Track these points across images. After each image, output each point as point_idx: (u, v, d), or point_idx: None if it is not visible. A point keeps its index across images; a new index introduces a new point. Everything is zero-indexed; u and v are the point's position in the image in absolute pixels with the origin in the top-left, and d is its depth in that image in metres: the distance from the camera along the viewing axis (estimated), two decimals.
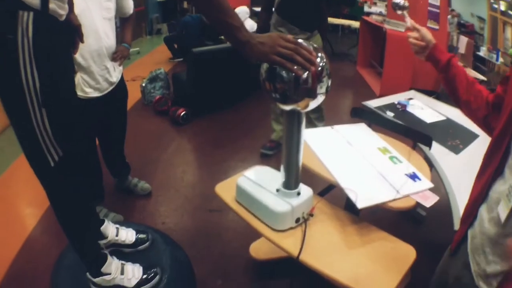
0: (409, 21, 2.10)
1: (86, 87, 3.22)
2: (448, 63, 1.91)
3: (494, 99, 1.70)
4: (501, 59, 11.82)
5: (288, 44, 1.68)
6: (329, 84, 1.79)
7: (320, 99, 1.79)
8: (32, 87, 1.67)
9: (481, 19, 12.46)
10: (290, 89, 1.71)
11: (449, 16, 12.85)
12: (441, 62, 1.93)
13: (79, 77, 3.16)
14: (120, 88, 3.60)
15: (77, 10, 2.80)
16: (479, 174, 1.57)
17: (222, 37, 1.89)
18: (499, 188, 1.36)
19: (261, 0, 4.86)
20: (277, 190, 2.14)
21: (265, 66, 1.77)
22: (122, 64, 3.56)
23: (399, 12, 2.25)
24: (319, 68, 1.72)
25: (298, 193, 2.13)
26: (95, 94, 3.29)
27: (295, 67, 1.66)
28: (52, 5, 1.66)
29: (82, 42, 2.35)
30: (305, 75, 1.69)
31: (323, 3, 4.44)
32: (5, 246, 3.42)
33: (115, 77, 3.46)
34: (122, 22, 3.74)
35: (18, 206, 4.10)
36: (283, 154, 2.06)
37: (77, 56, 3.05)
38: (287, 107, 1.83)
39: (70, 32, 2.10)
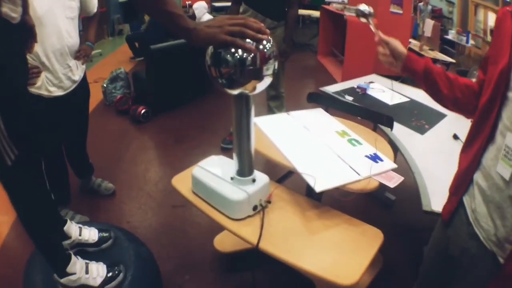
0: (376, 33, 1.94)
1: (50, 86, 3.18)
2: (425, 71, 1.82)
3: (479, 86, 1.65)
4: (471, 41, 11.98)
5: (236, 21, 1.66)
6: (276, 65, 1.75)
7: (267, 80, 1.76)
8: None
9: (449, 2, 12.60)
10: (236, 72, 1.67)
11: (420, 4, 12.99)
12: (418, 73, 1.85)
13: (43, 77, 3.11)
14: (83, 87, 3.56)
15: (40, 10, 2.84)
16: (466, 146, 1.59)
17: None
18: (492, 154, 1.39)
19: None
20: (232, 178, 2.11)
21: (209, 51, 1.73)
22: (85, 63, 3.52)
23: (363, 20, 2.06)
24: (265, 49, 1.69)
25: (253, 180, 2.10)
26: (59, 92, 3.25)
27: (247, 42, 1.64)
28: (4, 9, 1.65)
29: (36, 42, 2.35)
30: (255, 49, 1.66)
31: None
32: None
33: (77, 76, 3.41)
34: (86, 21, 3.70)
35: None
36: (234, 141, 2.03)
37: (41, 55, 3.02)
38: (235, 91, 1.80)
39: (23, 33, 2.07)
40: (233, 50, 1.64)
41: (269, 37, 1.72)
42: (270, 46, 1.71)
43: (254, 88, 1.77)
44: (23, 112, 1.94)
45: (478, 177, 1.45)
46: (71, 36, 3.24)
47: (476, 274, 1.50)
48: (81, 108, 3.72)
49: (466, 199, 1.56)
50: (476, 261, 1.50)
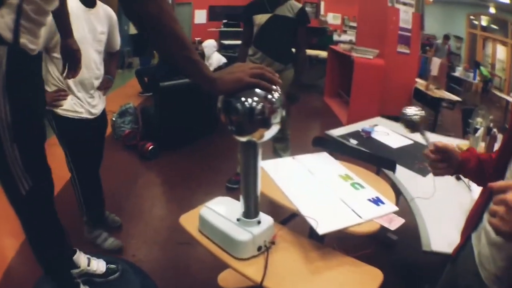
0: (429, 142, 1.82)
1: (78, 107, 3.31)
2: (477, 167, 1.76)
3: None
4: (478, 78, 12.00)
5: (255, 68, 1.73)
6: (283, 114, 1.82)
7: (274, 129, 1.82)
8: (5, 121, 1.71)
9: (458, 38, 12.68)
10: (244, 120, 1.74)
11: (438, 42, 13.05)
12: (472, 171, 1.78)
13: (70, 99, 3.24)
14: (103, 117, 3.67)
15: (75, 37, 2.89)
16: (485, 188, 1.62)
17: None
18: None
19: (240, 35, 4.99)
20: (238, 220, 2.16)
21: (220, 99, 1.80)
22: (105, 94, 3.65)
23: (411, 131, 1.98)
24: (273, 99, 1.76)
25: (259, 222, 2.14)
26: (86, 115, 3.38)
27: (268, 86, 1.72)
28: (23, 40, 1.70)
29: (80, 68, 2.45)
30: (277, 88, 1.76)
31: (298, 37, 4.56)
32: None
33: (100, 105, 3.55)
34: (108, 55, 3.80)
35: None
36: (241, 184, 2.09)
37: (69, 81, 3.15)
38: (243, 139, 1.86)
39: (66, 57, 2.14)
40: (243, 99, 1.71)
41: (278, 87, 1.81)
42: (278, 95, 1.78)
43: (262, 136, 1.83)
44: (39, 144, 2.00)
45: (486, 217, 1.47)
46: (98, 68, 3.40)
47: None
48: (101, 136, 3.82)
49: (474, 237, 1.62)
50: None
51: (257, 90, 1.73)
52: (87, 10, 3.19)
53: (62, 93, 3.11)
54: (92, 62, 3.31)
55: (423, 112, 1.93)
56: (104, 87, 3.56)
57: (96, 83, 3.42)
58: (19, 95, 1.75)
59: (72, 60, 2.61)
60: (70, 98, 3.22)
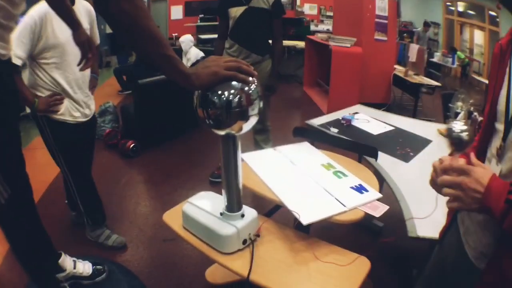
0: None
1: (74, 111, 3.29)
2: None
3: None
4: (457, 62, 12.11)
5: (230, 61, 1.73)
6: (261, 105, 1.82)
7: (252, 121, 1.82)
8: None
9: (435, 24, 12.76)
10: (222, 113, 1.73)
11: (419, 29, 13.14)
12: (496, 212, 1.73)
13: (66, 103, 3.21)
14: (93, 117, 3.68)
15: (62, 37, 2.96)
16: None
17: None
18: None
19: (217, 29, 5.00)
20: (221, 214, 2.15)
21: (196, 93, 1.79)
22: (93, 93, 3.63)
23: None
24: (250, 90, 1.76)
25: (242, 215, 2.14)
26: (82, 118, 3.38)
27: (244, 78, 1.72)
28: None
29: (93, 57, 2.47)
30: (253, 80, 1.77)
31: (274, 28, 4.56)
32: None
33: (92, 105, 3.57)
34: None
35: None
36: (222, 178, 2.08)
37: (63, 83, 3.13)
38: (222, 132, 1.86)
39: (82, 50, 2.13)
40: (219, 92, 1.71)
41: (254, 79, 1.80)
42: (255, 86, 1.78)
43: (241, 129, 1.83)
44: (15, 150, 1.98)
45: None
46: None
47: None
48: (93, 135, 3.85)
49: (459, 217, 1.65)
50: (465, 278, 1.58)
51: (233, 83, 1.73)
52: None
53: (57, 97, 3.07)
54: None
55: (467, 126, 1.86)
56: (92, 86, 3.54)
57: (87, 80, 3.41)
58: None
59: (83, 50, 2.60)
60: (66, 101, 3.19)
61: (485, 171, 1.26)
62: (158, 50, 1.55)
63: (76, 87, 3.26)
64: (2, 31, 1.73)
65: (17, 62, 2.85)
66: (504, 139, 1.38)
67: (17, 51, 2.84)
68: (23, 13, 2.41)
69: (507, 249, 1.32)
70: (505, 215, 1.18)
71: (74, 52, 3.00)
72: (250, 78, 1.75)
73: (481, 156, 1.55)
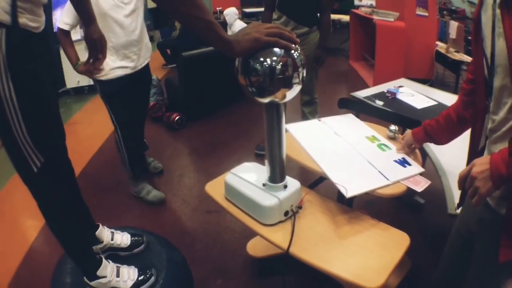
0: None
1: (117, 67, 3.53)
2: (427, 135, 2.36)
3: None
4: None
5: (271, 27, 1.70)
6: (304, 73, 1.78)
7: (296, 89, 1.79)
8: (9, 100, 1.68)
9: (471, 3, 12.46)
10: (265, 81, 1.71)
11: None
12: (423, 139, 2.46)
13: (108, 62, 3.33)
14: (147, 72, 3.92)
15: (106, 6, 3.25)
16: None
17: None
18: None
19: (262, 1, 4.98)
20: (264, 185, 2.14)
21: (238, 60, 1.77)
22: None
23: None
24: (293, 57, 1.73)
25: (285, 186, 2.12)
26: (126, 72, 3.59)
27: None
28: (22, 20, 1.66)
29: (103, 57, 2.52)
30: (295, 47, 1.74)
31: (322, 0, 4.47)
32: (8, 258, 3.47)
33: (143, 59, 3.73)
34: None
35: (19, 220, 4.13)
36: (265, 148, 2.06)
37: (109, 47, 3.22)
38: (265, 100, 1.83)
39: (47, 41, 2.11)
40: (261, 59, 1.68)
41: (297, 46, 1.77)
42: (298, 54, 1.75)
43: (284, 96, 1.80)
44: (50, 120, 1.97)
45: (488, 145, 1.62)
46: (134, 32, 3.58)
47: (491, 241, 1.58)
48: (142, 89, 4.03)
49: None
50: (490, 228, 1.61)
51: (276, 49, 1.70)
52: None
53: (98, 65, 3.05)
54: (127, 25, 3.49)
55: None
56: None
57: (137, 41, 3.61)
58: (23, 74, 1.72)
59: (94, 49, 2.55)
60: (108, 60, 3.29)
61: (485, 157, 1.48)
62: (199, 15, 1.54)
63: (123, 49, 3.49)
64: (31, 5, 1.72)
65: (65, 27, 3.29)
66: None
67: (65, 18, 3.27)
68: None
69: None
70: None
71: (116, 19, 3.30)
72: (293, 45, 1.72)
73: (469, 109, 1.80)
